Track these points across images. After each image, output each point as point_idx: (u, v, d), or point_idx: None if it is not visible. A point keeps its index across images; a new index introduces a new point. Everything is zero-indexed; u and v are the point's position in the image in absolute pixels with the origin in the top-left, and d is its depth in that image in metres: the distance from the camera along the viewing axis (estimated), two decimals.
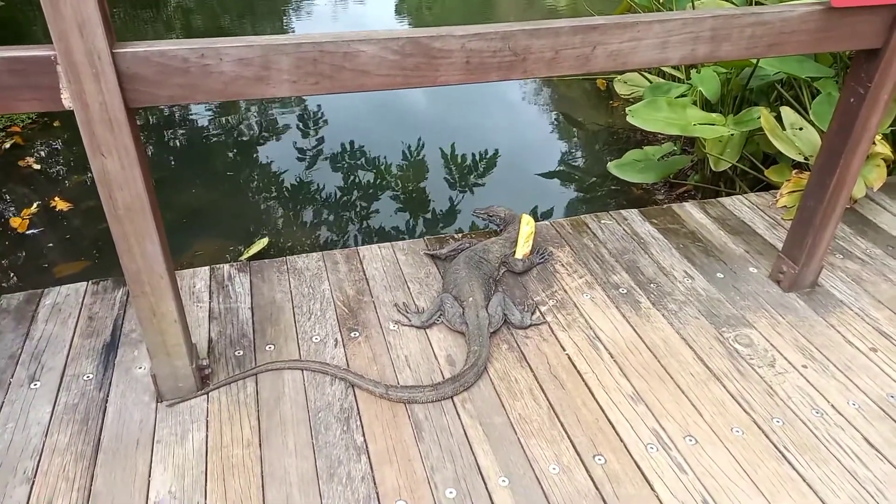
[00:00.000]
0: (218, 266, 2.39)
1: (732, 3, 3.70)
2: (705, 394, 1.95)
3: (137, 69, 1.46)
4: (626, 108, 3.02)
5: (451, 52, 1.62)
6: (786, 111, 2.93)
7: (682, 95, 3.54)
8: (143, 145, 4.47)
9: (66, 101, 1.45)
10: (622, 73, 4.39)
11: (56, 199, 3.73)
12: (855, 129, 1.99)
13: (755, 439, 1.82)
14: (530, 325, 2.18)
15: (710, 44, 1.77)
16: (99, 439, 1.73)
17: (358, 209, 3.96)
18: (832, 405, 1.93)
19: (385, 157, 4.48)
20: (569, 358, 2.07)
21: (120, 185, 1.54)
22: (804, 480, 1.71)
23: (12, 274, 3.21)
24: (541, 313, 2.25)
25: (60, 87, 1.43)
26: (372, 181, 4.23)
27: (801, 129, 2.85)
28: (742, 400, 1.93)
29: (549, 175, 4.36)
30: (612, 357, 2.07)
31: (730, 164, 3.34)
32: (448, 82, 1.68)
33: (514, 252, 2.45)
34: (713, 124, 2.99)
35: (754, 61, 3.39)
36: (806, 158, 2.77)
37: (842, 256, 2.56)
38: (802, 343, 2.14)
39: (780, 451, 1.78)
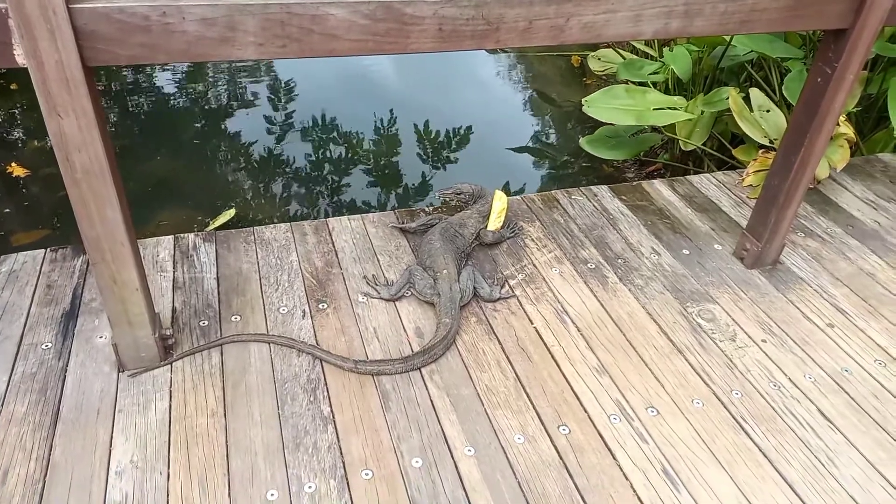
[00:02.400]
0: (182, 235, 2.34)
1: None
2: (668, 366, 1.99)
3: (96, 26, 1.40)
4: (583, 100, 3.04)
5: (423, 19, 1.59)
6: (755, 93, 2.96)
7: (655, 73, 3.55)
8: (107, 112, 4.33)
9: (20, 58, 1.38)
10: (596, 47, 4.39)
11: (13, 164, 3.60)
12: (821, 108, 2.02)
13: (714, 411, 1.86)
14: (499, 299, 2.19)
15: (683, 18, 1.77)
16: (58, 409, 1.70)
17: (328, 182, 3.91)
18: (789, 378, 1.98)
19: (357, 131, 4.42)
20: (536, 331, 2.08)
21: (77, 147, 1.49)
22: (760, 450, 1.76)
23: None
24: (510, 287, 2.25)
25: (13, 43, 1.36)
26: (343, 154, 4.18)
27: (768, 111, 2.89)
28: (703, 373, 1.98)
29: (521, 151, 4.36)
30: (578, 330, 2.10)
31: (697, 146, 3.38)
32: (420, 49, 1.65)
33: (486, 226, 2.45)
34: (674, 108, 3.02)
35: (727, 40, 3.42)
36: (771, 141, 2.82)
37: (803, 235, 2.62)
38: (763, 318, 2.19)
39: (737, 422, 1.83)
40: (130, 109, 4.51)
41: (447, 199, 2.58)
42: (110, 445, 1.63)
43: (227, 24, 1.47)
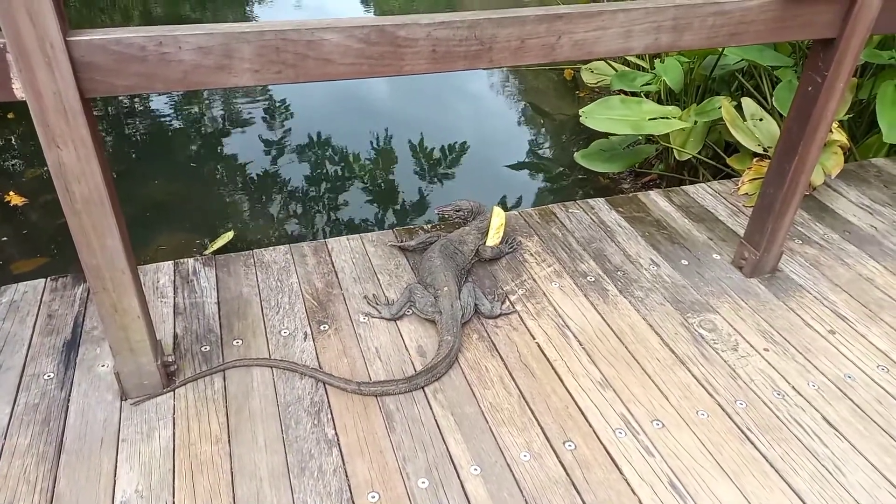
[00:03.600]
0: (182, 260, 2.34)
1: None
2: (671, 378, 1.99)
3: (93, 57, 1.41)
4: (580, 111, 3.06)
5: (416, 41, 1.61)
6: (747, 102, 2.99)
7: (647, 84, 3.58)
8: (104, 137, 4.35)
9: (18, 91, 1.39)
10: (587, 62, 4.43)
11: (11, 193, 3.61)
12: (813, 116, 2.04)
13: (719, 421, 1.86)
14: (500, 315, 2.19)
15: (672, 33, 1.79)
16: (61, 440, 1.69)
17: (326, 201, 3.92)
18: (793, 386, 1.98)
19: (352, 149, 4.44)
20: (538, 346, 2.08)
21: (77, 178, 1.49)
22: (766, 460, 1.75)
23: None
24: (510, 302, 2.26)
25: (11, 77, 1.37)
26: (340, 173, 4.20)
27: (761, 119, 2.91)
28: (707, 383, 1.98)
29: (516, 166, 4.38)
30: (580, 344, 2.10)
31: (692, 156, 3.40)
32: (414, 71, 1.67)
33: (485, 242, 2.45)
34: (668, 118, 3.04)
35: (718, 50, 3.45)
36: (765, 149, 2.84)
37: (801, 242, 2.63)
38: (764, 327, 2.20)
39: (743, 433, 1.83)
40: (127, 133, 4.53)
41: (446, 216, 2.58)
42: (114, 475, 1.62)
43: (223, 52, 1.49)
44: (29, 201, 3.58)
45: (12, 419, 1.73)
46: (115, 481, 1.60)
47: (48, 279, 2.21)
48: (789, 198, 2.23)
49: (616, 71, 3.83)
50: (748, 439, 1.81)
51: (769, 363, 2.06)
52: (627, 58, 4.47)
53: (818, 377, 2.02)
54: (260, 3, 7.85)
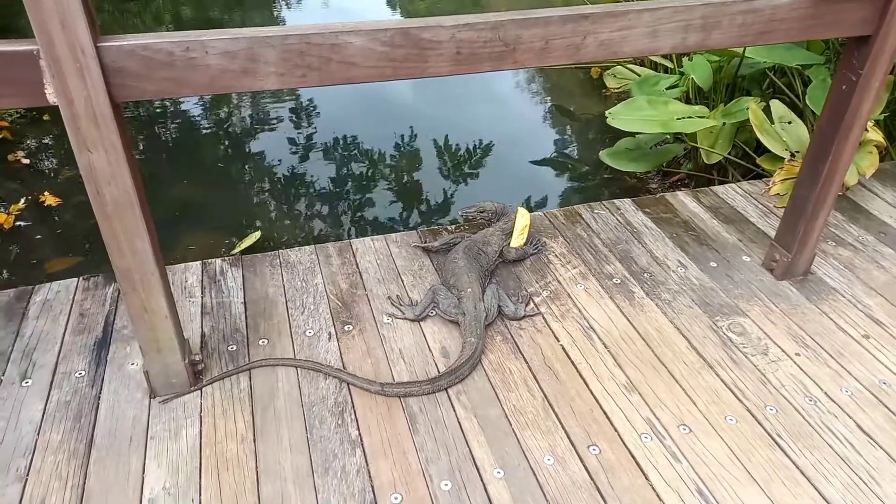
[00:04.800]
0: (210, 261, 2.38)
1: None
2: (699, 383, 1.96)
3: (123, 63, 1.44)
4: (606, 112, 3.02)
5: (440, 43, 1.61)
6: (775, 104, 2.92)
7: (673, 86, 3.53)
8: (135, 139, 4.43)
9: (51, 97, 1.42)
10: (614, 62, 4.38)
11: (45, 194, 3.70)
12: (847, 116, 1.99)
13: (749, 427, 1.82)
14: (524, 317, 2.18)
15: (700, 32, 1.76)
16: (92, 437, 1.73)
17: (351, 201, 3.94)
18: (825, 392, 1.93)
19: (378, 149, 4.45)
20: (563, 349, 2.07)
21: (107, 181, 1.52)
22: (797, 467, 1.72)
23: (4, 271, 3.19)
24: (535, 304, 2.24)
25: (44, 82, 1.40)
26: (365, 172, 4.21)
27: (789, 122, 2.85)
28: (735, 388, 1.94)
29: (542, 164, 4.35)
30: (606, 347, 2.08)
31: (721, 157, 3.34)
32: (438, 73, 1.66)
33: (510, 243, 2.44)
34: (699, 117, 2.99)
35: (743, 52, 3.38)
36: (793, 154, 2.77)
37: (834, 244, 2.56)
38: (795, 331, 2.15)
39: (773, 439, 1.79)
40: (158, 134, 4.61)
41: (470, 218, 2.58)
42: (143, 472, 1.65)
43: (248, 56, 1.51)
44: (63, 202, 3.66)
45: (45, 416, 1.77)
46: (143, 478, 1.63)
47: (80, 279, 2.26)
48: (822, 199, 2.17)
49: (638, 76, 3.77)
50: (778, 446, 1.77)
51: (801, 368, 2.01)
52: (653, 58, 4.41)
53: (852, 383, 1.97)
54: (288, 7, 7.92)
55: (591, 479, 1.67)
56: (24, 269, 3.19)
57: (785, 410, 1.87)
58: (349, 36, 1.54)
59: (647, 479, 1.68)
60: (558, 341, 2.09)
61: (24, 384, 1.86)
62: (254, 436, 1.75)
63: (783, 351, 2.07)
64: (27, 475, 1.63)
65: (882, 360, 2.04)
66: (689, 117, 3.09)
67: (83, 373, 1.91)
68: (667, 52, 1.81)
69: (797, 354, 2.06)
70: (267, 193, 3.96)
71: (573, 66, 5.58)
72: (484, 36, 1.63)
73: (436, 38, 1.60)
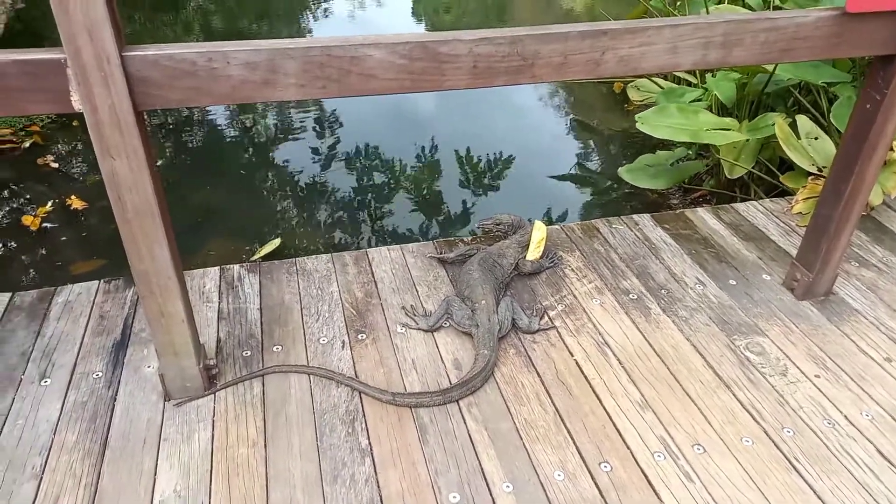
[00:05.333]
0: (228, 266, 2.41)
1: (748, 5, 3.66)
2: (715, 402, 1.93)
3: (146, 72, 1.47)
4: (636, 116, 2.99)
5: (458, 57, 1.62)
6: (801, 119, 2.89)
7: (697, 100, 3.50)
8: (162, 146, 4.51)
9: (76, 104, 1.46)
10: (634, 77, 4.36)
11: (73, 197, 3.78)
12: (871, 135, 1.95)
13: (765, 449, 1.79)
14: (538, 330, 2.17)
15: (721, 49, 1.75)
16: (106, 437, 1.75)
17: (371, 210, 3.97)
18: (845, 416, 1.89)
19: (399, 159, 4.48)
20: (577, 363, 2.05)
21: (129, 188, 1.56)
22: (814, 492, 1.68)
23: (31, 271, 3.26)
24: (549, 318, 2.23)
25: (70, 90, 1.44)
26: (385, 182, 4.24)
27: (816, 138, 2.81)
28: (752, 409, 1.91)
29: (562, 178, 4.34)
30: (620, 363, 2.06)
31: (745, 171, 3.30)
32: (455, 86, 1.67)
33: (525, 255, 2.44)
34: (727, 129, 2.95)
35: (767, 68, 3.35)
36: (820, 169, 2.73)
37: (857, 264, 2.51)
38: (815, 352, 2.11)
39: (790, 462, 1.75)
40: (183, 141, 4.69)
41: (487, 230, 2.58)
42: (155, 474, 1.67)
43: (269, 67, 1.53)
44: (89, 205, 3.74)
45: (62, 415, 1.81)
46: (155, 480, 1.65)
47: (101, 281, 2.30)
48: (845, 218, 2.14)
49: (662, 88, 3.75)
50: (795, 469, 1.74)
51: (820, 390, 1.97)
52: (676, 73, 4.39)
53: (872, 407, 1.92)
54: (315, 19, 8.03)
55: (602, 496, 1.65)
56: (49, 270, 3.26)
57: (803, 433, 1.84)
58: (369, 49, 1.56)
59: (659, 498, 1.65)
60: (572, 356, 2.08)
61: (42, 383, 1.90)
62: (265, 441, 1.76)
63: (802, 372, 2.03)
64: (42, 473, 1.65)
65: None
66: (719, 129, 3.05)
67: (100, 374, 1.94)
68: (687, 68, 1.80)
69: (817, 376, 2.02)
70: (288, 201, 4.01)
71: (595, 80, 5.57)
72: (502, 50, 1.63)
73: (454, 52, 1.61)
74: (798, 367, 2.05)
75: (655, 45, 1.71)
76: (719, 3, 4.19)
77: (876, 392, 1.97)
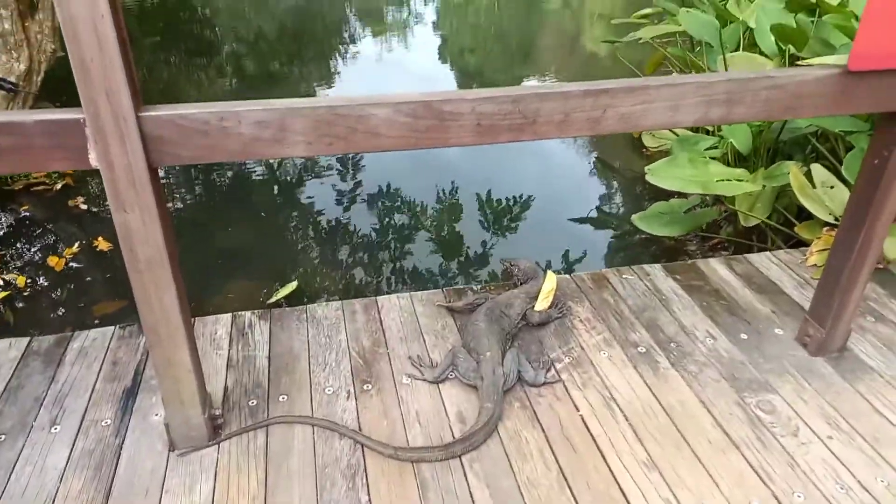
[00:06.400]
0: (240, 313, 2.45)
1: (764, 53, 3.68)
2: (723, 463, 1.88)
3: (161, 131, 1.53)
4: (646, 168, 3.01)
5: (461, 115, 1.66)
6: (816, 169, 2.87)
7: (713, 147, 3.51)
8: (191, 186, 4.63)
9: (93, 161, 1.53)
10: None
11: (100, 239, 3.89)
12: (880, 190, 1.94)
13: None
14: (544, 383, 2.15)
15: (723, 106, 1.77)
16: (110, 487, 1.77)
17: (390, 252, 4.01)
18: (858, 481, 1.83)
19: (420, 200, 4.55)
20: (582, 419, 2.03)
21: (141, 241, 1.61)
22: None
23: (53, 312, 3.35)
24: (556, 371, 2.22)
25: (88, 148, 1.51)
26: (406, 223, 4.30)
27: (832, 187, 2.78)
28: (762, 470, 1.86)
29: (582, 221, 4.35)
30: (626, 419, 2.03)
31: (759, 221, 3.27)
32: (459, 143, 1.71)
33: (534, 306, 2.44)
34: (738, 180, 2.94)
35: None
36: (836, 218, 2.70)
37: (873, 319, 2.46)
38: (828, 412, 2.05)
39: None
40: (209, 180, 4.82)
41: (505, 269, 2.63)
42: None
43: (279, 125, 1.59)
44: (115, 247, 3.84)
45: (69, 463, 1.83)
46: None
47: (117, 327, 2.35)
48: (857, 272, 2.10)
49: (677, 135, 3.77)
50: None
51: (832, 452, 1.91)
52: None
53: (888, 472, 1.86)
54: (344, 62, 8.25)
55: None
56: (71, 311, 3.35)
57: (814, 497, 1.78)
58: (374, 108, 1.61)
59: None
60: (578, 411, 2.06)
61: (52, 430, 1.94)
62: (265, 494, 1.76)
63: (814, 433, 1.98)
64: None
65: None
66: (730, 180, 3.05)
67: (109, 421, 1.97)
68: (689, 125, 1.82)
69: (829, 437, 1.96)
70: (308, 243, 4.07)
71: None
72: (504, 108, 1.67)
73: (457, 111, 1.65)
74: (810, 427, 2.00)
75: (656, 103, 1.73)
76: (735, 50, 4.23)
77: (892, 456, 1.90)
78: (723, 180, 3.04)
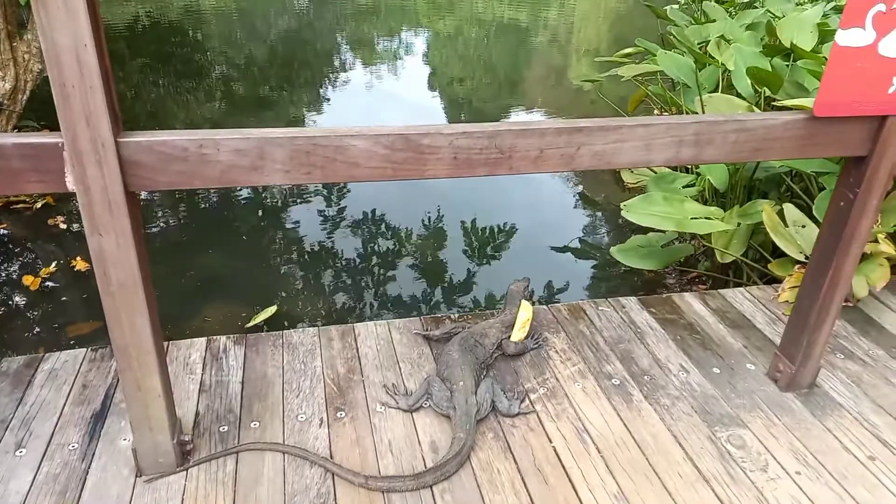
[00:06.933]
0: (215, 338, 2.44)
1: (740, 95, 3.78)
2: (693, 497, 1.89)
3: (139, 157, 1.55)
4: (622, 204, 3.07)
5: (439, 149, 1.69)
6: (788, 208, 2.94)
7: (690, 185, 3.58)
8: (175, 208, 4.62)
9: (70, 184, 1.54)
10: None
11: (77, 258, 3.87)
12: (846, 232, 1.99)
13: None
14: (518, 414, 2.16)
15: (694, 147, 1.82)
16: None
17: (371, 278, 4.02)
18: None
19: (404, 227, 4.58)
20: (555, 451, 2.03)
21: (114, 264, 1.61)
22: None
23: (35, 329, 3.31)
24: (530, 401, 2.22)
25: (65, 171, 1.52)
26: (389, 249, 4.32)
27: (803, 226, 2.85)
28: None
29: (562, 251, 4.40)
30: (599, 452, 2.03)
31: (734, 258, 3.33)
32: (436, 175, 1.74)
33: (510, 336, 2.45)
34: (712, 218, 3.01)
35: None
36: (807, 257, 2.76)
37: (843, 356, 2.50)
38: (797, 447, 2.07)
39: None
40: (191, 202, 4.81)
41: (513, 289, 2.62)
42: None
43: (257, 154, 1.61)
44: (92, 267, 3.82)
45: (32, 488, 1.80)
46: None
47: (88, 349, 2.33)
48: (825, 311, 2.15)
49: (655, 172, 3.84)
50: None
51: (800, 488, 1.93)
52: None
53: None
54: (334, 88, 8.32)
55: None
56: (46, 332, 3.31)
57: None
58: (353, 139, 1.64)
59: None
60: (550, 442, 2.06)
61: (17, 453, 1.90)
62: None
63: (783, 468, 2.00)
64: None
65: (888, 486, 1.95)
66: (704, 218, 3.11)
67: (76, 445, 1.94)
68: (660, 164, 1.87)
69: (798, 473, 1.98)
70: (290, 267, 4.07)
71: None
72: (480, 143, 1.71)
73: (434, 144, 1.69)
74: (779, 463, 2.02)
75: (628, 142, 1.78)
76: (714, 91, 4.34)
77: (858, 493, 1.93)
78: (697, 218, 3.10)
